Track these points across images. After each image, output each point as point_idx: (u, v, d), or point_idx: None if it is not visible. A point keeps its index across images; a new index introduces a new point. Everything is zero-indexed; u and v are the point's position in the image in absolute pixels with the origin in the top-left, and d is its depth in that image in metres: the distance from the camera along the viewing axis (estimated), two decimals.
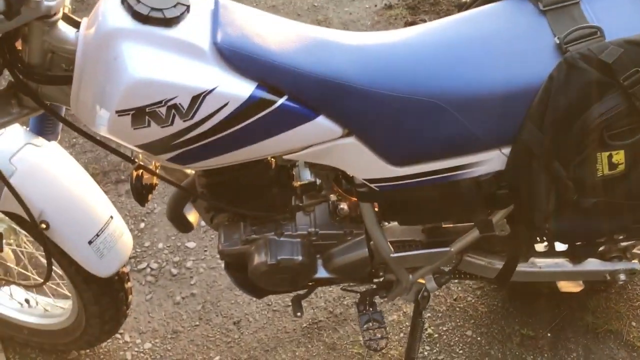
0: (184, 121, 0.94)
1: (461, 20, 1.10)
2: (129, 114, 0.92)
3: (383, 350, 1.54)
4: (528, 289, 1.67)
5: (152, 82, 0.90)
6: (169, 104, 0.92)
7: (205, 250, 1.92)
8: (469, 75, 1.03)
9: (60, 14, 0.95)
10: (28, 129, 1.25)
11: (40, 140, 1.23)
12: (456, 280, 1.70)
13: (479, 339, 1.65)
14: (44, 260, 1.47)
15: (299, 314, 1.39)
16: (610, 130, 0.95)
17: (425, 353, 1.62)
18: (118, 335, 1.69)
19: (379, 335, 1.36)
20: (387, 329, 1.40)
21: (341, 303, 1.75)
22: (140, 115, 0.92)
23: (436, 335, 1.66)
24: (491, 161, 1.06)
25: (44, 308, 1.62)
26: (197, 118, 0.94)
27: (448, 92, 1.02)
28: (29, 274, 1.53)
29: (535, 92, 0.98)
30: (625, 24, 0.99)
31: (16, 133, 1.21)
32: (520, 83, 1.00)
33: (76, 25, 0.98)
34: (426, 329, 1.66)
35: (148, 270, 1.88)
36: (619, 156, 0.98)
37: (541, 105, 0.97)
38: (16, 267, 1.44)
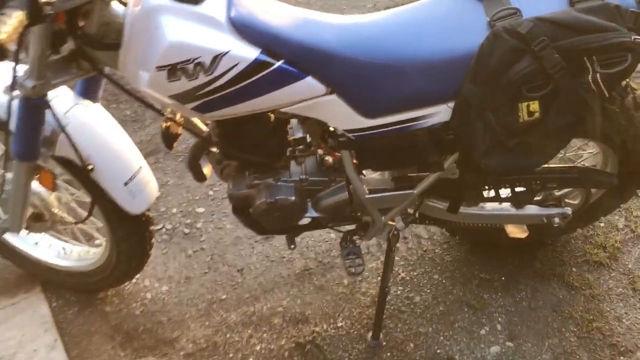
0: (206, 76, 1.25)
1: (418, 6, 1.42)
2: (165, 69, 1.23)
3: (363, 283, 1.85)
4: (487, 242, 1.99)
5: (183, 45, 1.21)
6: (195, 62, 1.23)
7: (213, 214, 2.23)
8: (423, 46, 1.33)
9: None
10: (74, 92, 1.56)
11: (86, 102, 1.54)
12: (421, 225, 2.00)
13: (444, 281, 1.95)
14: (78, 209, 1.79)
15: (292, 246, 1.70)
16: (526, 84, 1.26)
17: (399, 292, 1.92)
18: (138, 281, 1.99)
19: (358, 263, 1.66)
20: (364, 259, 1.68)
21: (329, 254, 2.05)
22: (173, 70, 1.23)
23: (408, 279, 1.96)
24: (440, 113, 1.37)
25: (78, 254, 1.92)
26: (215, 73, 1.25)
27: (407, 59, 1.33)
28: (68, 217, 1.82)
29: (472, 58, 1.29)
30: (537, 6, 1.30)
31: (67, 95, 1.52)
32: (461, 51, 1.30)
33: (123, 3, 1.29)
34: (399, 274, 1.97)
35: (163, 230, 2.18)
36: (535, 105, 1.28)
37: (475, 67, 1.28)
38: (58, 211, 1.73)
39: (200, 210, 2.25)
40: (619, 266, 1.94)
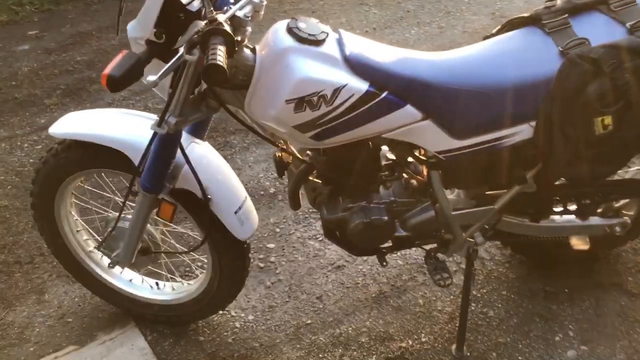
0: (327, 106, 1.44)
1: (495, 41, 1.64)
2: (293, 102, 1.42)
3: (437, 302, 1.99)
4: (547, 258, 2.15)
5: (311, 80, 1.41)
6: (320, 94, 1.42)
7: (283, 249, 2.38)
8: (505, 73, 1.54)
9: (244, 42, 1.46)
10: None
11: (198, 140, 1.72)
12: (482, 249, 2.16)
13: (512, 296, 2.10)
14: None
15: (384, 263, 1.85)
16: (601, 102, 1.46)
17: (473, 308, 2.06)
18: (225, 312, 2.11)
19: (445, 276, 1.81)
20: (450, 272, 1.83)
21: (400, 278, 2.20)
22: (300, 102, 1.42)
23: (479, 296, 2.11)
24: (522, 132, 1.56)
25: (172, 287, 2.05)
26: (335, 104, 1.44)
27: (492, 85, 1.53)
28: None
29: (549, 82, 1.49)
30: (602, 36, 1.52)
31: (183, 135, 1.69)
32: (538, 76, 1.51)
33: (249, 48, 1.49)
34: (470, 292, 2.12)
35: None
36: (608, 120, 1.48)
37: (555, 89, 1.49)
38: (162, 244, 1.88)
39: (271, 245, 2.40)
40: None
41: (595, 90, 1.45)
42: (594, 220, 1.88)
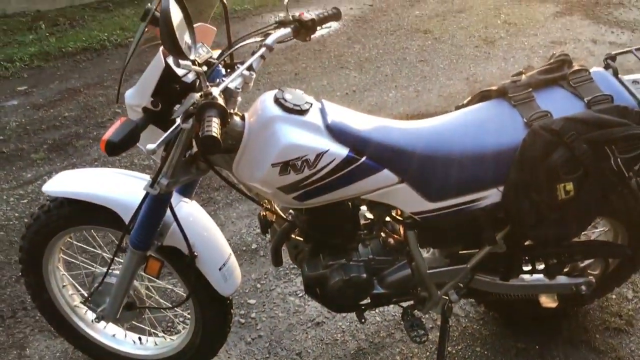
0: (309, 170, 1.54)
1: (466, 112, 1.78)
2: (279, 166, 1.52)
3: (414, 359, 2.05)
4: (518, 315, 2.24)
5: (295, 146, 1.51)
6: (303, 159, 1.53)
7: (264, 305, 2.43)
8: (475, 142, 1.67)
9: (234, 110, 1.57)
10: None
11: (186, 199, 1.80)
12: (457, 306, 2.24)
13: (486, 352, 2.17)
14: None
15: (363, 320, 1.92)
16: (562, 169, 1.59)
17: None
18: None
19: (421, 333, 1.88)
20: (426, 328, 1.91)
21: (378, 335, 2.26)
22: (285, 166, 1.52)
23: (454, 352, 2.18)
24: (492, 196, 1.68)
25: (154, 342, 2.09)
26: (317, 168, 1.55)
27: (464, 152, 1.65)
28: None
29: (515, 150, 1.62)
30: (563, 109, 1.66)
31: (173, 194, 1.78)
32: (506, 145, 1.64)
33: (238, 116, 1.60)
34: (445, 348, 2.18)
35: None
36: (570, 186, 1.60)
37: (520, 157, 1.61)
38: (147, 300, 1.93)
39: (252, 301, 2.45)
40: (636, 331, 2.20)
41: (557, 159, 1.57)
42: (561, 279, 1.98)
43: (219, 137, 1.22)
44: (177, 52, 1.28)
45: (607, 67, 1.79)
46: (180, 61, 1.35)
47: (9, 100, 4.32)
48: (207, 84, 1.36)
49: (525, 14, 5.64)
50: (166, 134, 1.37)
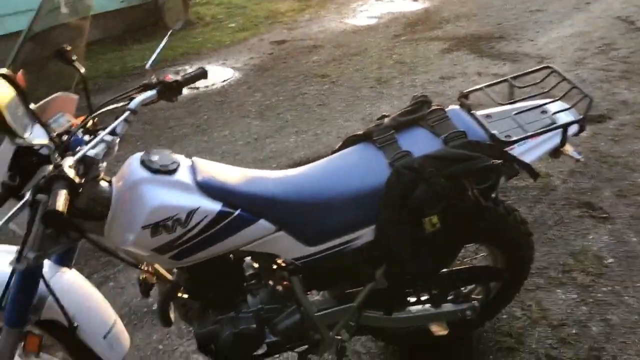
0: (182, 228, 1.56)
1: (336, 157, 1.86)
2: (149, 228, 1.53)
3: None
4: (416, 346, 2.30)
5: (164, 206, 1.53)
6: (174, 218, 1.54)
7: None
8: (343, 185, 1.74)
9: (101, 176, 1.57)
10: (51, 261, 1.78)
11: (64, 268, 1.76)
12: (358, 343, 2.29)
13: None
14: None
15: None
16: (425, 204, 1.68)
17: None
18: None
19: None
20: None
21: None
22: (156, 227, 1.53)
23: None
24: (366, 235, 1.75)
25: None
26: (189, 226, 1.56)
27: (333, 197, 1.72)
28: None
29: (382, 189, 1.71)
30: (422, 148, 1.76)
31: (47, 264, 1.73)
32: (374, 186, 1.72)
33: (106, 181, 1.60)
34: None
35: None
36: (435, 219, 1.70)
37: (386, 197, 1.70)
38: None
39: None
40: (525, 347, 2.32)
41: (419, 194, 1.67)
42: (447, 307, 2.07)
43: (63, 210, 1.21)
44: (7, 132, 1.28)
45: (462, 105, 1.93)
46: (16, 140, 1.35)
47: None
48: (56, 156, 1.36)
49: (415, 53, 5.96)
50: (11, 212, 1.35)
